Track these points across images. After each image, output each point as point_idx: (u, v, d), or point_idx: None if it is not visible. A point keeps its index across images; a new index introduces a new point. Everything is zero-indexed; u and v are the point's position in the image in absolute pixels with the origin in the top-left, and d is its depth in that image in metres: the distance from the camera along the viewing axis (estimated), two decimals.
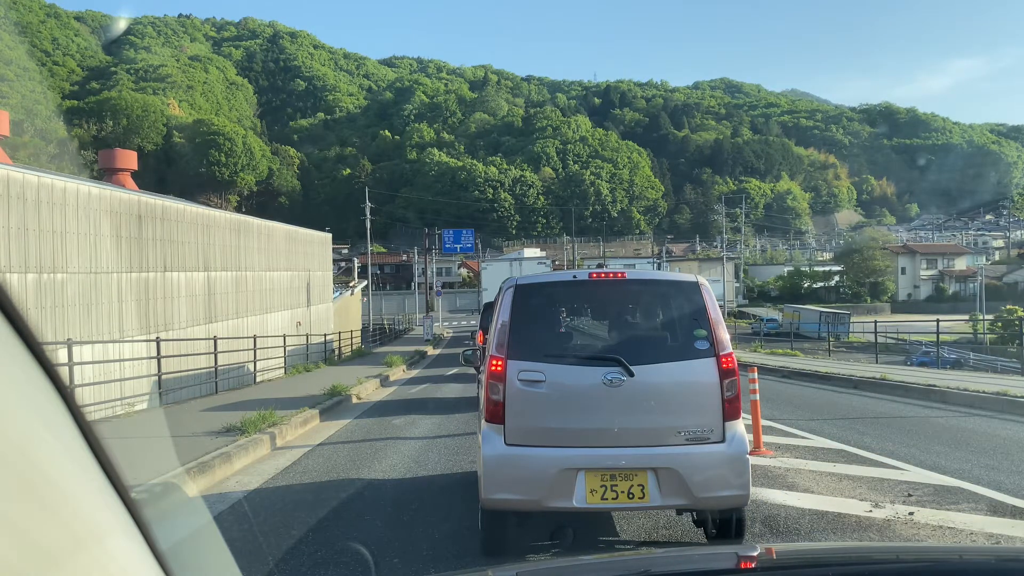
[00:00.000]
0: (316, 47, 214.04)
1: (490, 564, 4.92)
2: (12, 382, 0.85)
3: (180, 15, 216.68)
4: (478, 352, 7.52)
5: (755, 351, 29.04)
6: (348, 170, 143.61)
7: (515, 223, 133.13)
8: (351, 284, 52.07)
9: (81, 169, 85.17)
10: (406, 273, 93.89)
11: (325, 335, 31.49)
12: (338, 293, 43.13)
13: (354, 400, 14.94)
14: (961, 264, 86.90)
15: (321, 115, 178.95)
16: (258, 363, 20.52)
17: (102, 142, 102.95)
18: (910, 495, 6.58)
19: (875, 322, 30.95)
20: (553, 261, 46.54)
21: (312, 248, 32.71)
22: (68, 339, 12.14)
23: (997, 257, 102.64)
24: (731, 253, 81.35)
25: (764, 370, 18.65)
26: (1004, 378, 17.84)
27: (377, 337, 46.38)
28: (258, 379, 19.89)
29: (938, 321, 24.38)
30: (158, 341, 14.72)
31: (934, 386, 14.10)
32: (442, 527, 5.84)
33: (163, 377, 15.21)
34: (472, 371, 12.43)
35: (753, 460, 5.47)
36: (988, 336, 38.40)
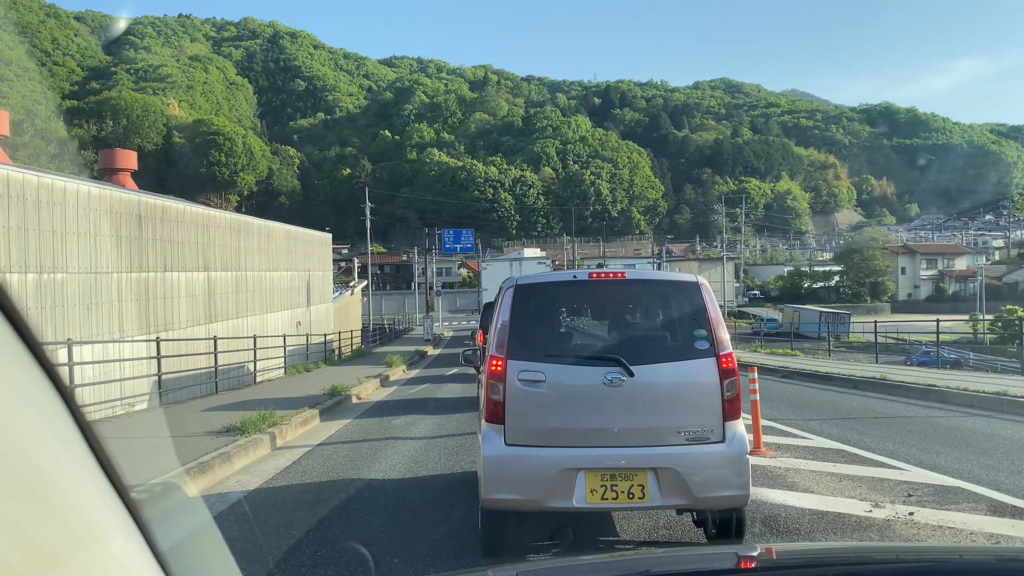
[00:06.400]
0: (316, 47, 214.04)
1: (490, 564, 4.92)
2: (12, 382, 0.85)
3: (180, 15, 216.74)
4: (478, 352, 7.52)
5: (755, 351, 29.04)
6: (348, 170, 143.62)
7: (515, 223, 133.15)
8: (351, 284, 52.07)
9: (81, 169, 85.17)
10: (406, 273, 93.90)
11: (325, 335, 31.48)
12: (338, 293, 43.13)
13: (354, 400, 14.94)
14: (961, 264, 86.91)
15: (321, 115, 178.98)
16: (258, 363, 20.51)
17: (102, 142, 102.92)
18: (910, 495, 6.58)
19: (875, 322, 30.93)
20: (553, 261, 46.55)
21: (312, 248, 32.71)
22: (68, 339, 12.14)
23: (997, 257, 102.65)
24: (731, 253, 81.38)
25: (764, 370, 18.65)
26: (1004, 378, 17.83)
27: (377, 337, 46.36)
28: (258, 379, 19.89)
29: (938, 321, 24.37)
30: (158, 341, 14.72)
31: (934, 386, 14.09)
32: (442, 527, 5.84)
33: (163, 377, 15.21)
34: (472, 371, 12.43)
35: (753, 460, 5.47)
36: (988, 336, 38.38)
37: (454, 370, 22.10)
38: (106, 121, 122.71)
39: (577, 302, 5.59)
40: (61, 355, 11.37)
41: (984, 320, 42.93)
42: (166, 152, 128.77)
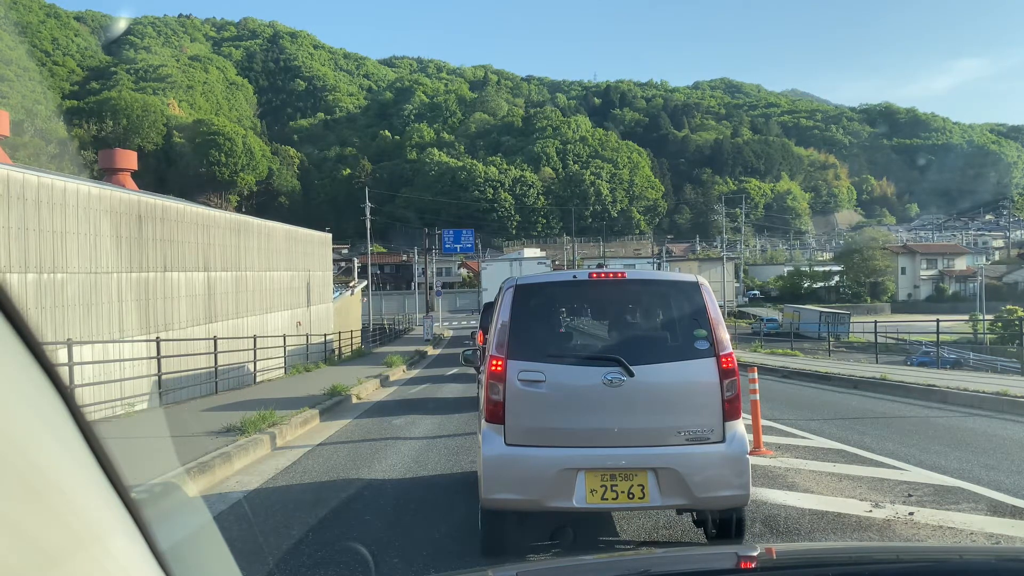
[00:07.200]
0: (316, 47, 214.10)
1: (490, 564, 4.92)
2: (12, 382, 0.85)
3: (180, 15, 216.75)
4: (478, 352, 7.51)
5: (755, 351, 29.04)
6: (348, 170, 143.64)
7: (515, 223, 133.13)
8: (351, 284, 52.06)
9: (81, 169, 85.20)
10: (406, 273, 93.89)
11: (325, 335, 31.48)
12: (338, 293, 43.12)
13: (354, 400, 14.94)
14: (961, 264, 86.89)
15: (321, 115, 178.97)
16: (258, 363, 20.51)
17: (102, 142, 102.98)
18: (910, 495, 6.58)
19: (875, 322, 30.92)
20: (553, 261, 46.55)
21: (312, 248, 32.71)
22: (68, 339, 12.14)
23: (997, 257, 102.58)
24: (731, 253, 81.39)
25: (764, 370, 18.65)
26: (1004, 378, 17.84)
27: (377, 337, 46.36)
28: (258, 379, 19.89)
29: (938, 321, 24.34)
30: (158, 341, 14.72)
31: (934, 386, 14.09)
32: (442, 527, 5.84)
33: (163, 377, 15.21)
34: (472, 371, 12.43)
35: (753, 460, 5.47)
36: (988, 336, 38.39)
37: (454, 370, 22.10)
38: (106, 121, 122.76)
39: (577, 302, 5.59)
40: (61, 355, 11.37)
41: (984, 320, 42.93)
42: (166, 152, 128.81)
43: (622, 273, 5.37)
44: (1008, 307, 41.22)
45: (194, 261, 19.81)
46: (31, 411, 0.87)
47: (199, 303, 20.01)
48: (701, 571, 1.79)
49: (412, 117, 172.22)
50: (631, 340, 5.17)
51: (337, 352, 31.74)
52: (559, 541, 5.20)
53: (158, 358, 14.82)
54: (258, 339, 20.47)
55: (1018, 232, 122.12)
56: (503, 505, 4.75)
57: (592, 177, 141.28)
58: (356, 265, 65.23)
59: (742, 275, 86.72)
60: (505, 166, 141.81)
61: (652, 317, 5.44)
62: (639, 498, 4.61)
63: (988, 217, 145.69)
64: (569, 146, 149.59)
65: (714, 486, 4.68)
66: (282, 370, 22.72)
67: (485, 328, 10.33)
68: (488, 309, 10.73)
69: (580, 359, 4.96)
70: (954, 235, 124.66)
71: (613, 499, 4.62)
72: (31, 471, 0.84)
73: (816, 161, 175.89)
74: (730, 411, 4.78)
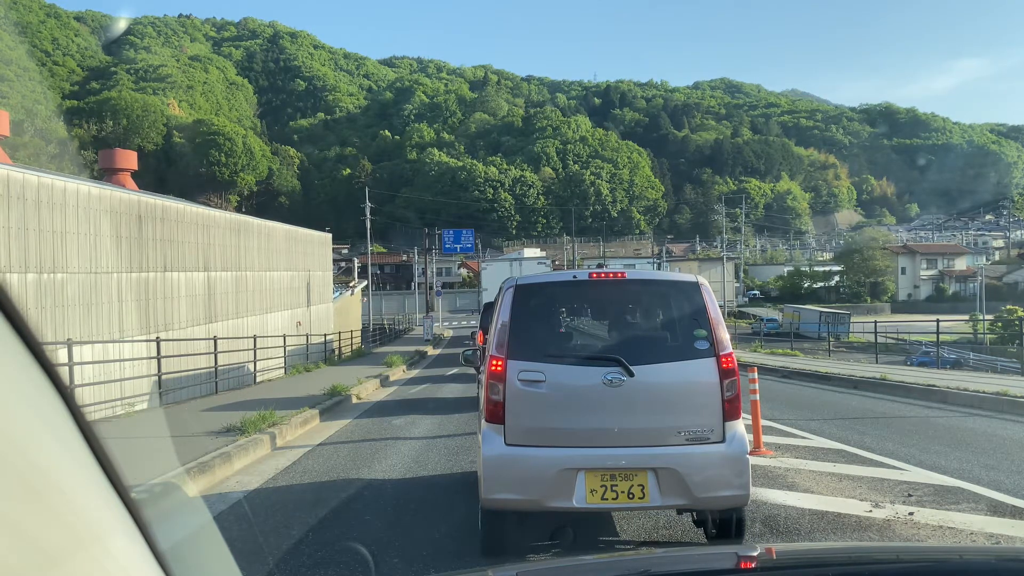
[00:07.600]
0: (316, 47, 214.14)
1: (490, 564, 4.92)
2: (12, 382, 0.85)
3: (180, 15, 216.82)
4: (478, 352, 7.51)
5: (755, 351, 29.04)
6: (348, 170, 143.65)
7: (515, 223, 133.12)
8: (351, 284, 52.05)
9: (81, 169, 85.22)
10: (406, 273, 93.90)
11: (325, 335, 31.48)
12: (338, 293, 43.12)
13: (354, 400, 14.94)
14: (961, 264, 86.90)
15: (321, 115, 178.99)
16: (258, 363, 20.51)
17: (102, 142, 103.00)
18: (910, 495, 6.58)
19: (875, 322, 30.92)
20: (553, 261, 46.51)
21: (312, 248, 32.70)
22: (68, 339, 12.14)
23: (997, 257, 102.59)
24: (731, 253, 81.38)
25: (764, 370, 18.65)
26: (1004, 378, 17.84)
27: (377, 337, 46.35)
28: (258, 379, 19.88)
29: (938, 321, 24.35)
30: (158, 341, 14.72)
31: (934, 386, 14.09)
32: (442, 527, 5.84)
33: (163, 377, 15.20)
34: (472, 371, 12.42)
35: (753, 460, 5.47)
36: (988, 336, 38.40)
37: (454, 370, 22.10)
38: (106, 121, 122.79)
39: (577, 302, 5.58)
40: (61, 355, 11.37)
41: (984, 320, 42.95)
42: (166, 152, 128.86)
43: (622, 273, 5.37)
44: (1008, 307, 41.23)
45: (194, 261, 19.81)
46: (31, 411, 0.87)
47: (199, 303, 20.01)
48: (701, 571, 1.79)
49: (412, 117, 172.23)
50: (631, 340, 5.17)
51: (337, 352, 31.74)
52: (559, 541, 5.20)
53: (158, 358, 14.82)
54: (258, 339, 20.46)
55: (1018, 232, 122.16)
56: (503, 505, 4.75)
57: (592, 177, 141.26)
58: (356, 265, 65.25)
59: (742, 275, 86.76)
60: (505, 166, 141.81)
61: (652, 317, 5.43)
62: (639, 498, 4.61)
63: (988, 217, 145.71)
64: (569, 146, 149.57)
65: (714, 486, 4.68)
66: (282, 370, 22.72)
67: (485, 328, 10.32)
68: (488, 309, 10.72)
69: (580, 359, 4.96)
70: (954, 235, 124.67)
71: (613, 499, 4.62)
72: (31, 471, 0.84)
73: (816, 161, 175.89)
74: (730, 411, 4.78)
